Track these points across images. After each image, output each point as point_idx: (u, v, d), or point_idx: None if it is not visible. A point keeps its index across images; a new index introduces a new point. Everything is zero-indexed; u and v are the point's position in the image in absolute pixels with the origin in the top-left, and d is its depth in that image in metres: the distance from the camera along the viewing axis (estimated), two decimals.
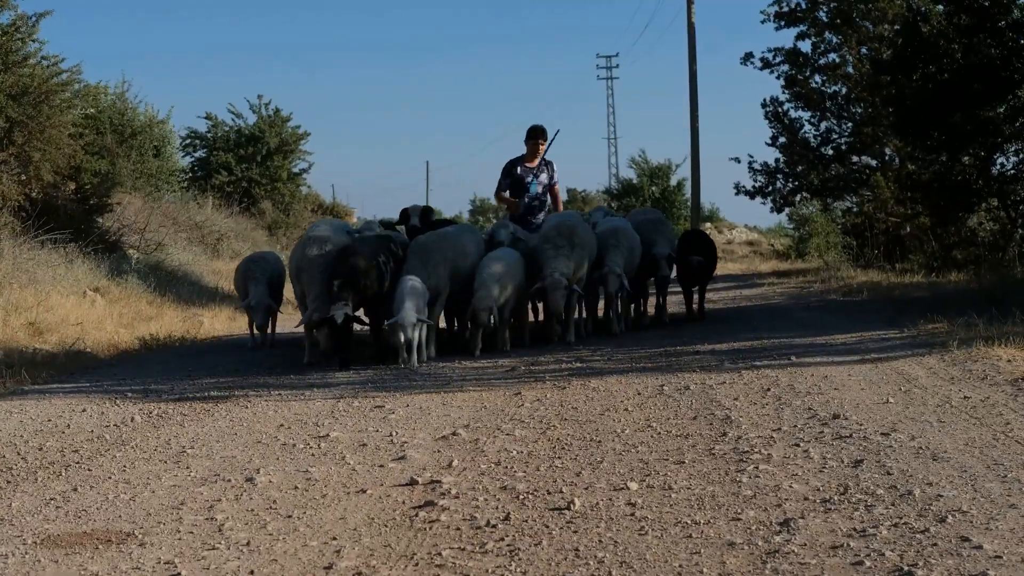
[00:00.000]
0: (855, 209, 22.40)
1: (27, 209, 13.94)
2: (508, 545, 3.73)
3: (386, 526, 4.03)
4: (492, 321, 8.42)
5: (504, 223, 9.87)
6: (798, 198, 22.41)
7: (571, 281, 8.83)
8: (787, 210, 23.64)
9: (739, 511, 3.99)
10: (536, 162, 10.50)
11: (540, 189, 10.49)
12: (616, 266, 9.37)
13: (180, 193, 24.57)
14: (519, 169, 10.47)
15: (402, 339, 7.90)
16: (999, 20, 12.80)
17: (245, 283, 10.02)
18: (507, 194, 10.51)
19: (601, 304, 10.23)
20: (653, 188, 34.24)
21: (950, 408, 5.67)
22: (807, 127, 21.46)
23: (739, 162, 21.99)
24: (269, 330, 10.24)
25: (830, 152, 21.22)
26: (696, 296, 10.91)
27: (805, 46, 21.25)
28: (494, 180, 10.60)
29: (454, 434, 5.55)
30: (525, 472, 4.72)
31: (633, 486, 4.37)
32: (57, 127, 14.08)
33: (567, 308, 9.07)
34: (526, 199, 10.42)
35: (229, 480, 4.78)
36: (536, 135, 10.56)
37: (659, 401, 6.28)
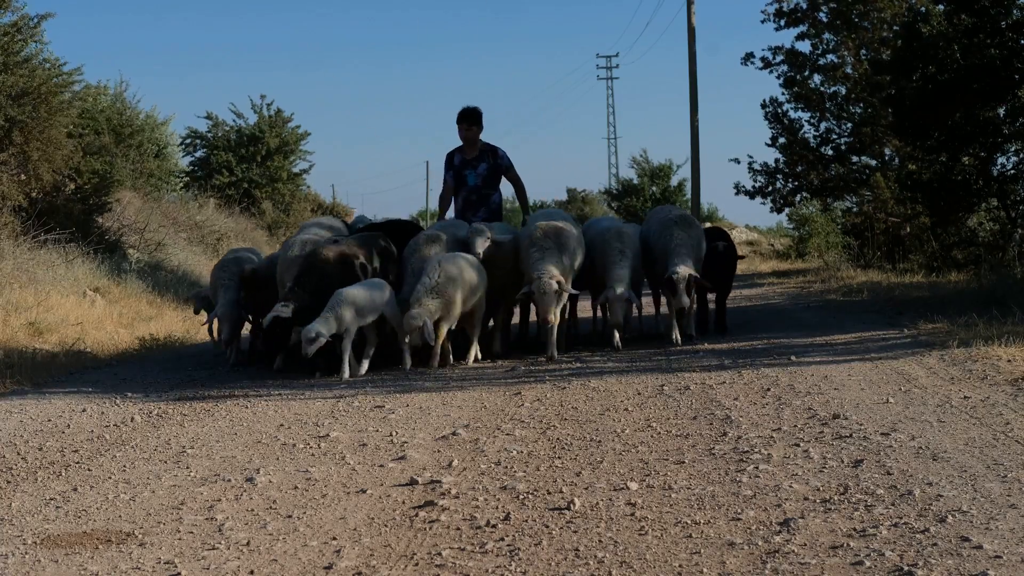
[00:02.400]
0: (855, 209, 22.44)
1: (27, 209, 13.95)
2: (508, 545, 3.73)
3: (386, 526, 4.03)
4: (429, 339, 7.56)
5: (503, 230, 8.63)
6: (798, 198, 22.45)
7: (562, 285, 8.00)
8: (787, 210, 23.68)
9: (739, 511, 3.99)
10: (475, 151, 9.23)
11: (479, 181, 9.20)
12: (619, 285, 8.29)
13: (180, 193, 24.58)
14: (456, 159, 9.27)
15: (308, 351, 7.33)
16: (999, 21, 12.81)
17: (215, 291, 8.88)
18: (448, 188, 9.32)
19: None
20: (653, 188, 34.27)
21: (950, 408, 5.67)
22: (807, 127, 21.52)
23: (739, 163, 22.08)
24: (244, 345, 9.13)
25: (830, 152, 21.26)
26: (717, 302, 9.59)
27: (804, 46, 21.33)
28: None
29: (454, 434, 5.55)
30: (525, 472, 4.72)
31: (633, 486, 4.37)
32: (56, 127, 14.09)
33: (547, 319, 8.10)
34: (463, 193, 9.25)
35: (229, 480, 4.77)
36: (461, 119, 9.23)
37: (659, 401, 6.28)
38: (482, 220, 8.89)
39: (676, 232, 8.74)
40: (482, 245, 8.14)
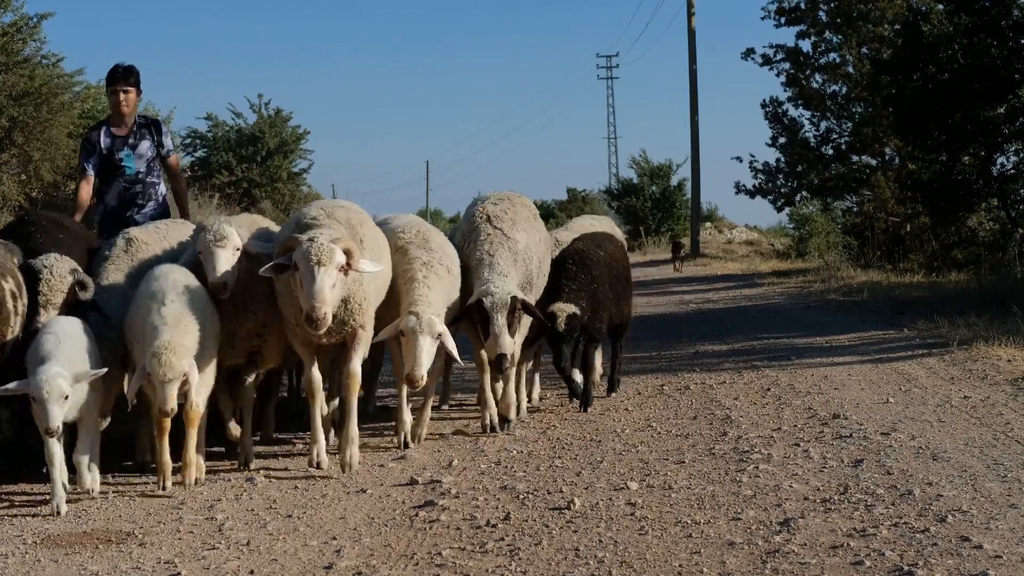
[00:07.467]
0: (855, 209, 22.48)
1: (27, 209, 13.95)
2: (508, 545, 3.73)
3: (386, 526, 4.03)
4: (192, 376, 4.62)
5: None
6: (798, 198, 22.50)
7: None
8: (787, 210, 23.74)
9: (739, 511, 3.99)
10: (129, 127, 6.48)
11: (142, 167, 6.48)
12: (418, 307, 5.09)
13: None
14: (104, 141, 6.46)
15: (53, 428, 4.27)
16: (1000, 21, 12.83)
17: None
18: (91, 180, 6.47)
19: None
20: (653, 188, 34.27)
21: (950, 408, 5.67)
22: (807, 127, 21.57)
23: (741, 161, 22.16)
24: None
25: (830, 152, 21.30)
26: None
27: (805, 45, 21.38)
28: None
29: (454, 434, 5.54)
30: (525, 472, 4.72)
31: (633, 486, 4.37)
32: (57, 127, 14.10)
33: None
34: (122, 183, 6.43)
35: (229, 480, 4.77)
36: (115, 80, 6.48)
37: (659, 401, 6.28)
38: (150, 219, 6.26)
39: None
40: (226, 264, 4.90)
